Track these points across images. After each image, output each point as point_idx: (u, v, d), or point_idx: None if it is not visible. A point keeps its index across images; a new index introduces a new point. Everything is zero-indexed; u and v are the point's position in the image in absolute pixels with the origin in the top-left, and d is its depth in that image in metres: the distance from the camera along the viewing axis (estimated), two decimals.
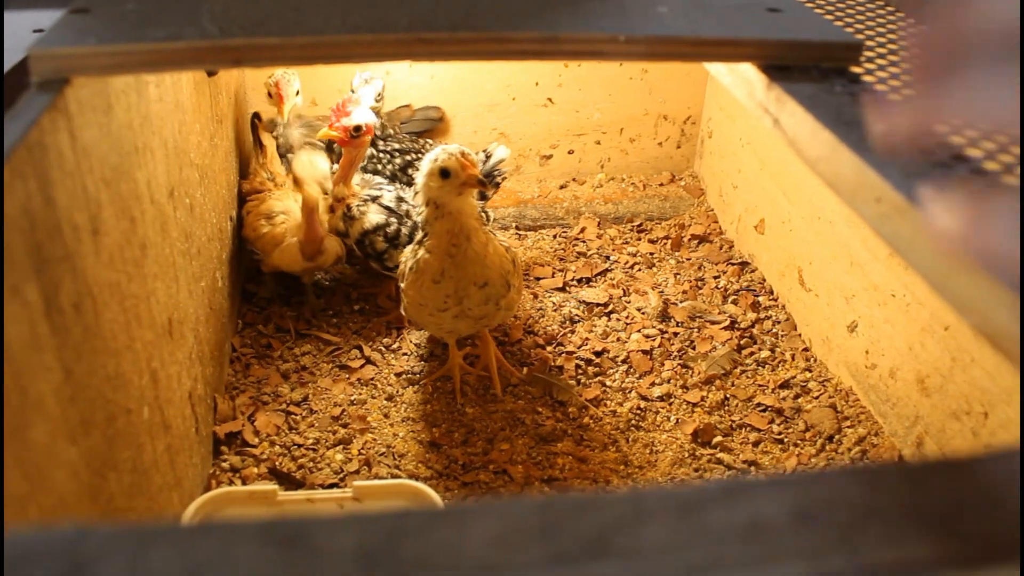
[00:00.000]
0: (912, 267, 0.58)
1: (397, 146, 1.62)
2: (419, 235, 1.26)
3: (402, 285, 1.29)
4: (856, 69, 0.81)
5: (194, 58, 0.71)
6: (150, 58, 0.69)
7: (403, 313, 1.36)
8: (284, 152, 1.63)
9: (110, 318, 0.78)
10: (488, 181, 1.48)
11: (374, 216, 1.46)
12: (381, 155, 1.59)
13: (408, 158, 1.61)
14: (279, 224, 1.47)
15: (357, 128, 1.42)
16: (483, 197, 1.52)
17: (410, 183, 1.56)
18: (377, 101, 1.58)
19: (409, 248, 1.30)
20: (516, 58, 0.75)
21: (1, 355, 0.54)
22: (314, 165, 1.40)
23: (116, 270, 0.80)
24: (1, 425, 0.53)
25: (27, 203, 0.60)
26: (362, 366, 1.47)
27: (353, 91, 1.57)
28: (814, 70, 0.79)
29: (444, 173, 1.16)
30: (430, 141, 1.71)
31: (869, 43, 0.88)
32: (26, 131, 0.61)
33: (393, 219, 1.46)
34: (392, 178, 1.58)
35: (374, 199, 1.47)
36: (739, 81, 0.84)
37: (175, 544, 0.31)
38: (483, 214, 1.53)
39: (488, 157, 1.52)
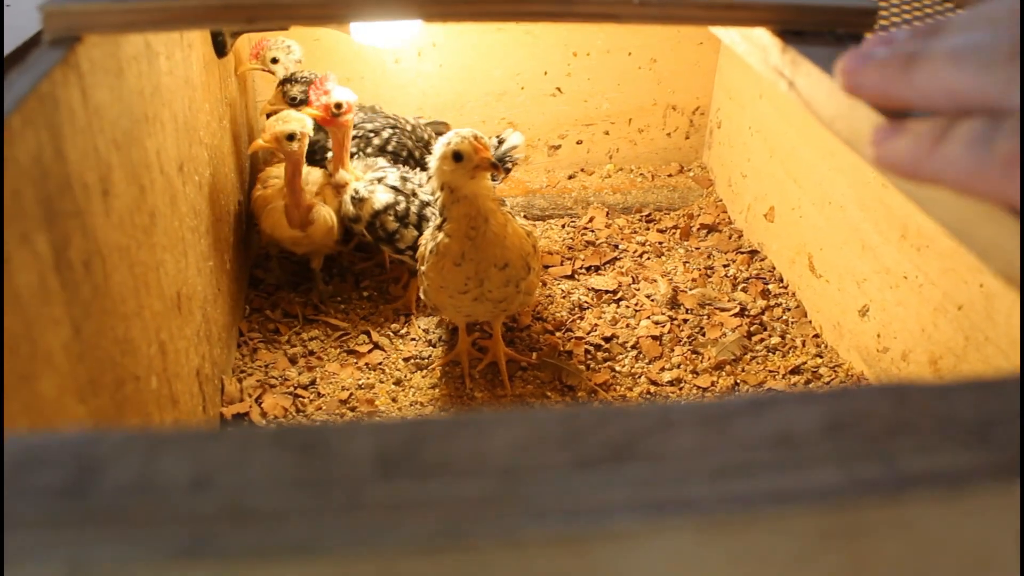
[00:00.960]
0: (934, 219, 0.57)
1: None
2: (437, 220, 1.25)
3: (422, 268, 1.28)
4: (870, 35, 0.80)
5: (207, 16, 0.70)
6: (162, 16, 0.69)
7: (422, 296, 1.35)
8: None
9: (119, 281, 0.77)
10: (499, 165, 1.47)
11: (382, 195, 1.44)
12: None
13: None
14: (270, 186, 1.46)
15: (338, 105, 1.39)
16: (493, 179, 1.51)
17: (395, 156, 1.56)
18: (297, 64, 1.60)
19: (428, 231, 1.30)
20: (529, 19, 0.75)
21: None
22: (286, 119, 1.35)
23: (126, 234, 0.79)
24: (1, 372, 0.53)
25: (38, 153, 0.60)
26: (370, 351, 1.47)
27: (276, 62, 1.58)
28: (829, 35, 0.78)
29: (457, 156, 1.15)
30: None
31: (883, 11, 0.88)
32: (37, 82, 0.61)
33: (401, 197, 1.45)
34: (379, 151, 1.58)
35: (379, 180, 1.47)
36: (753, 48, 0.84)
37: (187, 448, 0.31)
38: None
39: (501, 143, 1.52)
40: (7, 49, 0.67)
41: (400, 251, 1.47)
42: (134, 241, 0.82)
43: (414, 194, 1.47)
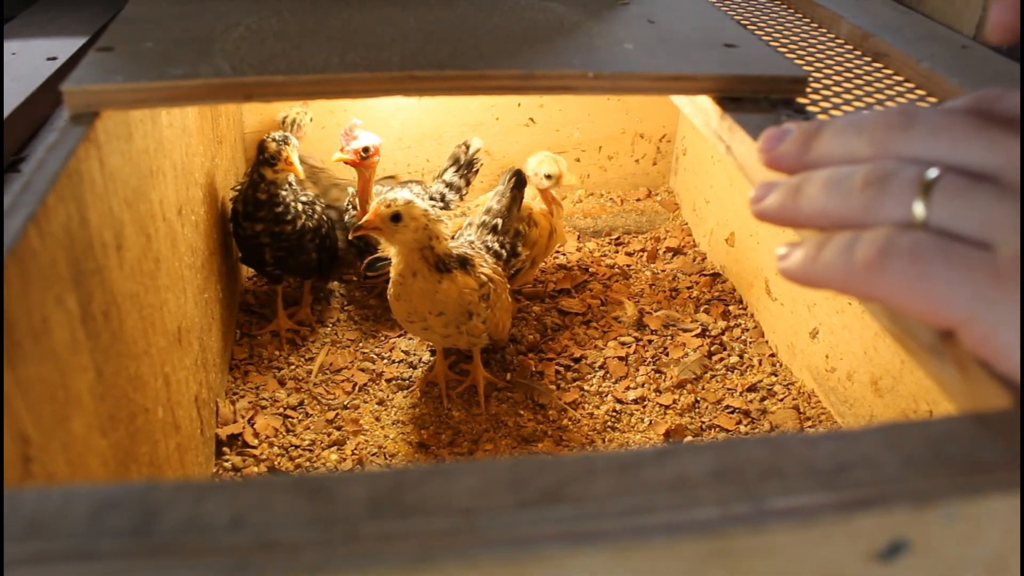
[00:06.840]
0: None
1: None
2: None
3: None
4: (802, 100, 0.90)
5: (210, 94, 0.79)
6: (171, 94, 0.78)
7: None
8: None
9: (131, 325, 0.86)
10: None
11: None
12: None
13: None
14: None
15: (366, 149, 1.56)
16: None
17: None
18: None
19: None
20: (497, 93, 0.84)
21: None
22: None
23: (136, 282, 0.88)
24: None
25: (67, 223, 0.69)
26: (355, 373, 1.56)
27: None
28: (764, 101, 0.88)
29: (396, 217, 1.28)
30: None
31: (816, 75, 0.98)
32: (66, 160, 0.70)
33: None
34: None
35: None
36: (698, 111, 0.94)
37: (225, 494, 0.40)
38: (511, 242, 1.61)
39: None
40: (19, 99, 0.75)
41: None
42: (142, 287, 0.91)
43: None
